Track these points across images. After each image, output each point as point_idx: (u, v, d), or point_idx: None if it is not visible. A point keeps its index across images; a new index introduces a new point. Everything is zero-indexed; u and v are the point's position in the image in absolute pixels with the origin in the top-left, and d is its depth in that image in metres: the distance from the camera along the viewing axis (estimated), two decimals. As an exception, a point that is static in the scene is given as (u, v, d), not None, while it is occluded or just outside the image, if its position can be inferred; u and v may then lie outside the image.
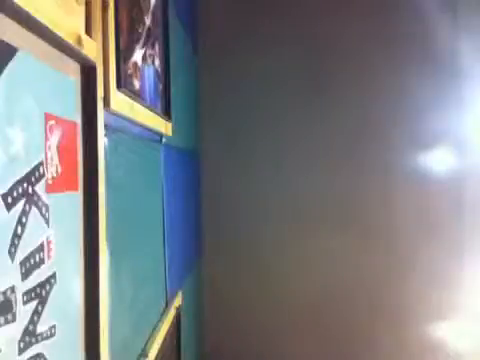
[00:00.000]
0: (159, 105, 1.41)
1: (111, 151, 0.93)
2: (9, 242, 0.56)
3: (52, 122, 0.68)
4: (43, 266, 0.64)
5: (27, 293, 0.59)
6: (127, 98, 1.02)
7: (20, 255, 0.58)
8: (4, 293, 0.54)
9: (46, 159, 0.66)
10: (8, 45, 0.57)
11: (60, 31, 0.67)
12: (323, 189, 2.52)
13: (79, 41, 0.74)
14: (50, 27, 0.64)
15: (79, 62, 0.80)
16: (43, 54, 0.67)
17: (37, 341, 0.62)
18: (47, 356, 0.65)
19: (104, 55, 0.89)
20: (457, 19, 2.48)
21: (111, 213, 0.90)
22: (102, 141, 0.84)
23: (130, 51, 1.10)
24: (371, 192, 2.50)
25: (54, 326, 0.67)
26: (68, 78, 0.76)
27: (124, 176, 1.07)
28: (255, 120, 2.54)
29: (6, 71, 0.56)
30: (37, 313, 0.62)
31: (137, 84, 1.15)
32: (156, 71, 1.38)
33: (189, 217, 2.17)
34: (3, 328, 0.54)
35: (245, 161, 2.56)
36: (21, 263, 0.58)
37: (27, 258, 0.59)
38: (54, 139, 0.68)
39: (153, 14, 1.33)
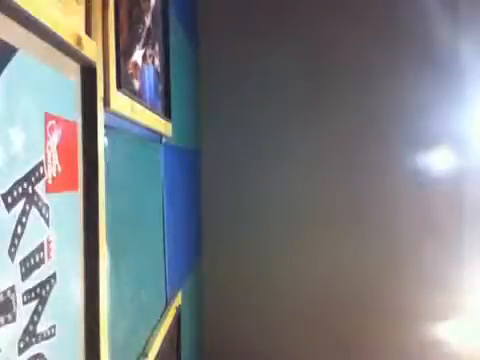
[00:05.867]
0: (159, 105, 1.41)
1: (111, 151, 0.93)
2: (9, 242, 0.56)
3: (52, 122, 0.68)
4: (43, 266, 0.64)
5: (27, 293, 0.59)
6: (127, 98, 1.02)
7: (20, 255, 0.58)
8: (4, 293, 0.54)
9: (46, 159, 0.66)
10: (8, 45, 0.57)
11: (60, 31, 0.67)
12: (323, 189, 2.52)
13: (79, 41, 0.74)
14: (50, 27, 0.64)
15: (79, 62, 0.80)
16: (43, 54, 0.67)
17: (37, 341, 0.62)
18: (47, 356, 0.65)
19: (104, 55, 0.89)
20: (458, 19, 2.48)
21: (111, 213, 0.90)
22: (102, 141, 0.84)
23: (130, 51, 1.10)
24: (371, 192, 2.50)
25: (54, 326, 0.67)
26: (68, 78, 0.76)
27: (124, 176, 1.07)
28: (255, 120, 2.54)
29: (6, 71, 0.56)
30: (37, 313, 0.62)
31: (137, 84, 1.15)
32: (156, 71, 1.38)
33: (189, 217, 2.17)
34: (3, 328, 0.54)
35: (245, 161, 2.56)
36: (21, 263, 0.58)
37: (27, 258, 0.59)
38: (54, 139, 0.68)
39: (153, 14, 1.33)
